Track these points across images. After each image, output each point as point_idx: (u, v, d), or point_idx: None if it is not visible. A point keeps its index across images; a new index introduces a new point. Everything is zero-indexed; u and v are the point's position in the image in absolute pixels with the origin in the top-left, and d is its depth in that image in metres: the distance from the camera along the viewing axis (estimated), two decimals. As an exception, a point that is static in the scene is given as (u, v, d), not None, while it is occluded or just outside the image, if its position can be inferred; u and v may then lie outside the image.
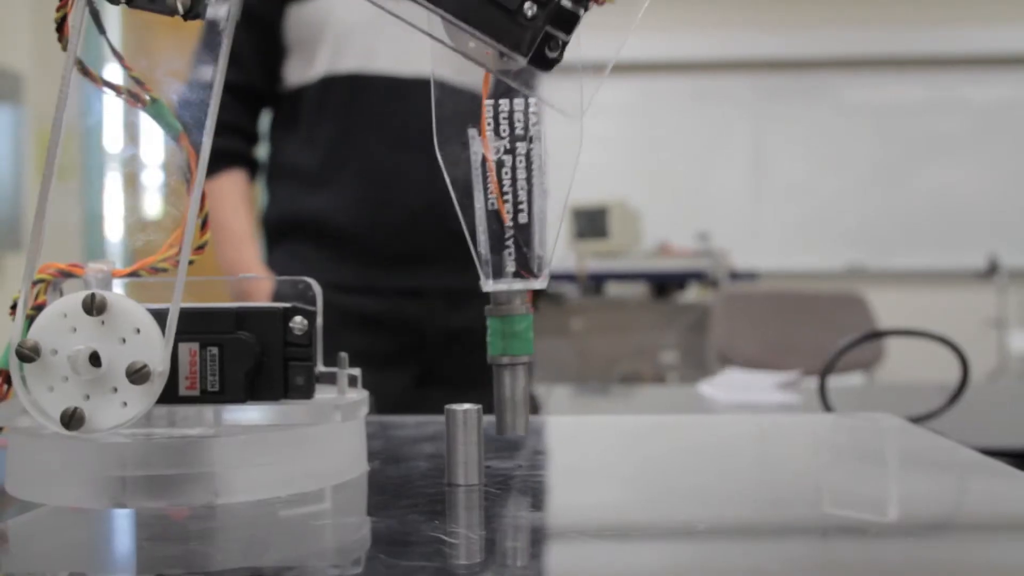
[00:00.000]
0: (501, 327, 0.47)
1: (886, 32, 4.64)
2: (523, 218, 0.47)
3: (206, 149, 0.42)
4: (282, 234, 1.33)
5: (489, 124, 0.47)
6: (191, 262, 0.44)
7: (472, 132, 0.47)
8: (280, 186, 1.34)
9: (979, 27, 4.62)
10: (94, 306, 0.40)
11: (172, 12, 0.41)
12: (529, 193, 0.47)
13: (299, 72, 1.30)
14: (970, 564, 0.36)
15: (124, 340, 0.40)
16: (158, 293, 0.41)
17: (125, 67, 0.45)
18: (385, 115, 1.27)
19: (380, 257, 1.28)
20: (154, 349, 0.40)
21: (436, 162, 0.46)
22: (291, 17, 1.28)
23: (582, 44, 0.44)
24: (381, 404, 1.18)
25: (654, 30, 4.59)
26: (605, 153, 4.59)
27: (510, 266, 0.47)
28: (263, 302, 0.46)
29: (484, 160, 0.47)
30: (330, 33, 1.27)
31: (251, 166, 1.35)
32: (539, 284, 0.47)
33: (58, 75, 0.43)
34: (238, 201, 1.31)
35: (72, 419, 0.39)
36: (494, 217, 0.47)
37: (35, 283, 0.43)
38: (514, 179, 0.47)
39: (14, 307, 0.42)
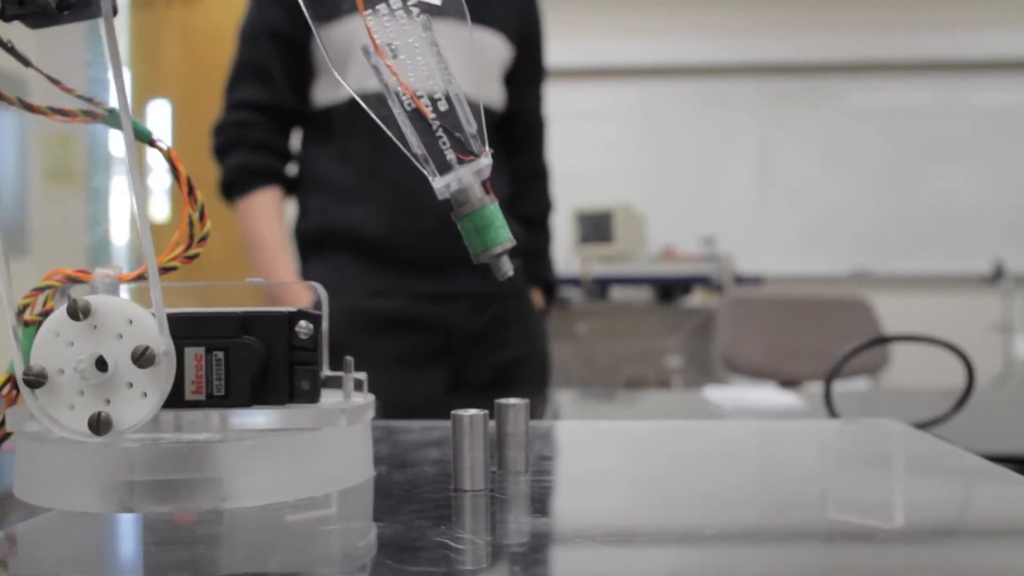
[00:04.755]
0: (471, 224, 0.47)
1: (892, 36, 4.64)
2: (443, 105, 0.47)
3: (128, 135, 0.41)
4: (317, 245, 1.39)
5: (378, 37, 0.47)
6: (197, 255, 0.44)
7: (366, 49, 0.47)
8: (313, 199, 1.40)
9: (985, 31, 4.61)
10: (79, 310, 0.40)
11: (44, 7, 0.40)
12: (443, 79, 0.47)
13: (329, 92, 1.36)
14: (976, 570, 0.35)
15: (121, 335, 0.40)
16: (165, 298, 0.41)
17: (66, 90, 0.44)
18: None
19: (411, 264, 1.35)
20: (151, 333, 0.40)
21: None
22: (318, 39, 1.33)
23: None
24: (414, 405, 1.20)
25: (659, 34, 4.59)
26: (610, 157, 4.59)
27: (450, 155, 0.46)
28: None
29: (388, 70, 0.47)
30: (359, 54, 1.30)
31: (284, 183, 1.41)
32: (485, 160, 0.46)
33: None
34: (273, 217, 1.37)
35: (100, 423, 0.39)
36: (417, 116, 0.47)
37: (42, 289, 0.43)
38: (421, 72, 0.47)
39: (19, 313, 0.42)
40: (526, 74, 1.51)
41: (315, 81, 1.38)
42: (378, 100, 0.45)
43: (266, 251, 1.35)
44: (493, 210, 0.47)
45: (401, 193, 1.33)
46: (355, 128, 1.34)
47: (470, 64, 1.38)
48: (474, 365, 1.37)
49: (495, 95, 1.44)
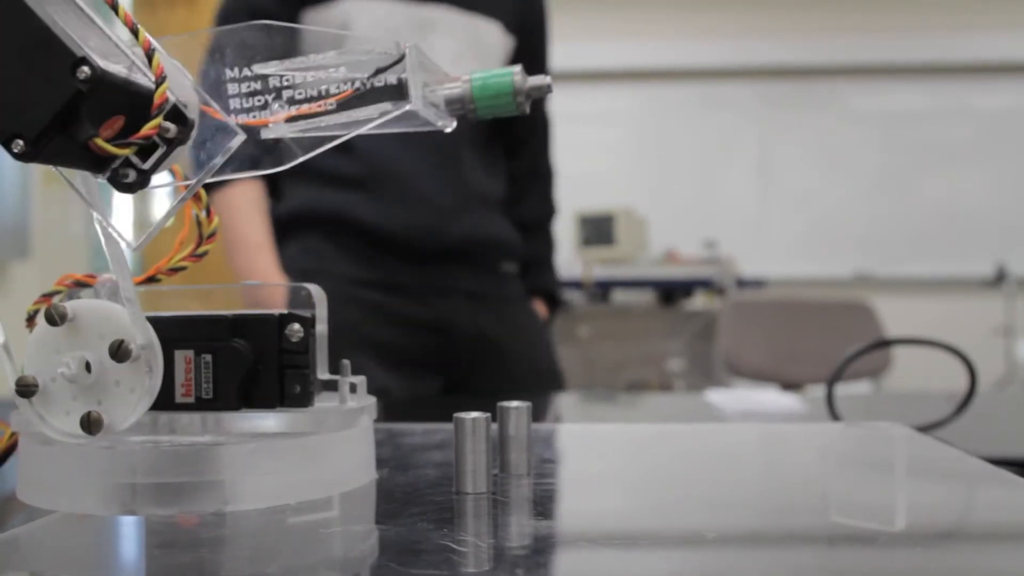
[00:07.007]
0: (483, 96, 0.47)
1: (892, 40, 4.64)
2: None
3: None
4: (293, 228, 1.32)
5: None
6: (206, 252, 0.44)
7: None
8: (295, 186, 1.33)
9: (985, 34, 4.61)
10: (56, 316, 0.40)
11: None
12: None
13: None
14: (977, 574, 0.36)
15: (102, 336, 0.40)
16: (171, 301, 0.41)
17: None
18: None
19: (402, 254, 1.29)
20: (127, 328, 0.40)
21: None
22: (307, 22, 1.26)
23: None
24: (411, 402, 1.16)
25: (661, 38, 4.59)
26: (611, 160, 4.59)
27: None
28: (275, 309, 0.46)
29: None
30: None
31: (263, 176, 1.36)
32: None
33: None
34: (250, 209, 1.29)
35: (90, 423, 0.40)
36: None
37: (52, 294, 0.43)
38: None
39: (29, 319, 0.42)
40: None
41: None
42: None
43: (243, 246, 1.27)
44: (474, 77, 0.46)
45: (398, 183, 1.27)
46: None
47: (467, 50, 1.34)
48: (475, 369, 1.32)
49: None
